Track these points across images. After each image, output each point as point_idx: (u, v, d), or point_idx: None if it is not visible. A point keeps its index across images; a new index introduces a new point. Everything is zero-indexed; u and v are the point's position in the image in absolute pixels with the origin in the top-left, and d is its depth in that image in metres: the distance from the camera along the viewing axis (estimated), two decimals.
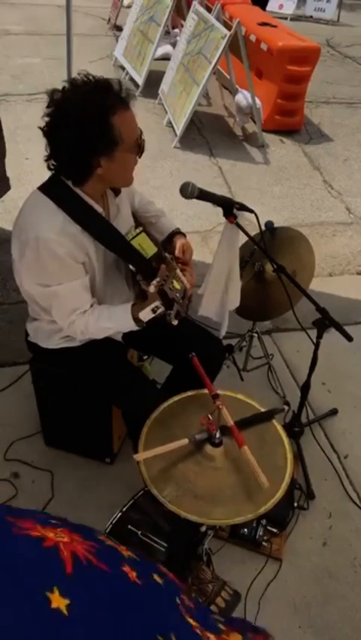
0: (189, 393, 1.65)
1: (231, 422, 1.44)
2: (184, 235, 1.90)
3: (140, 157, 1.60)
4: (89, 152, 1.48)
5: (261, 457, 1.39)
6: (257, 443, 1.46)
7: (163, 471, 1.41)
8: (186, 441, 1.41)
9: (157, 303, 1.57)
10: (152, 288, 1.53)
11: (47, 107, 1.48)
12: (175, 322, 1.55)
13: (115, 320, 1.68)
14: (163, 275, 1.54)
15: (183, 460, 1.43)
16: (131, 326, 1.66)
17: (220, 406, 1.47)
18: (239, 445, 1.40)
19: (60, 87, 1.48)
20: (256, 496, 1.34)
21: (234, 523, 1.33)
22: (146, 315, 1.61)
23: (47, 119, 1.48)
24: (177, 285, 1.53)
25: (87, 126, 1.43)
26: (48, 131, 1.50)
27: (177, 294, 1.51)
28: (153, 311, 1.59)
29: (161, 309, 1.58)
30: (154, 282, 1.54)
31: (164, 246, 1.85)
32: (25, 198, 1.63)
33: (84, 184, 1.57)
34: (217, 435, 1.44)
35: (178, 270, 1.59)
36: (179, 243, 1.83)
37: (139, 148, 1.57)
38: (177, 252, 1.80)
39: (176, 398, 1.63)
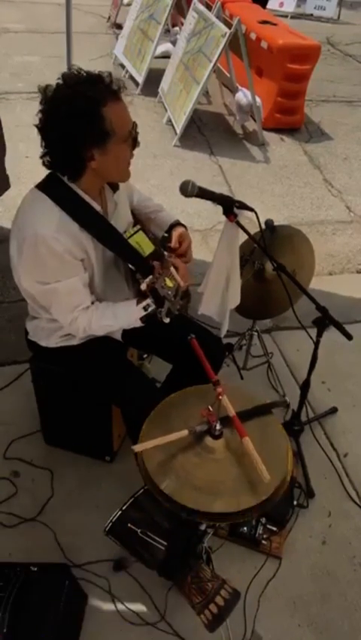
0: (190, 389, 1.65)
1: (232, 412, 1.43)
2: (184, 226, 1.90)
3: (134, 149, 1.59)
4: (80, 145, 1.48)
5: (261, 450, 1.38)
6: (258, 436, 1.45)
7: (163, 463, 1.40)
8: (185, 432, 1.40)
9: (148, 300, 1.58)
10: (143, 286, 1.54)
11: (40, 103, 1.48)
12: (167, 320, 1.56)
13: (120, 317, 1.68)
14: (156, 273, 1.55)
15: (182, 452, 1.43)
16: (135, 322, 1.66)
17: (221, 395, 1.46)
18: (240, 435, 1.39)
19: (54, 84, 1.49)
20: (257, 488, 1.34)
21: (236, 521, 1.33)
22: (138, 312, 1.62)
23: (40, 115, 1.49)
24: (169, 283, 1.53)
25: (77, 118, 1.43)
26: (41, 127, 1.50)
27: (169, 292, 1.52)
28: (145, 309, 1.61)
29: (152, 307, 1.59)
30: (146, 280, 1.55)
31: (163, 241, 1.85)
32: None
33: (79, 179, 1.57)
34: (217, 427, 1.43)
35: (173, 269, 1.59)
36: (175, 234, 1.83)
37: (133, 140, 1.56)
38: (173, 244, 1.80)
39: (176, 394, 1.63)
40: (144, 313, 1.62)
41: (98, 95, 1.44)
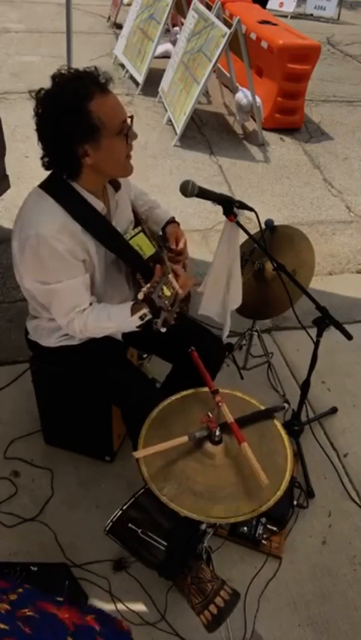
0: (189, 391, 1.65)
1: (231, 419, 1.44)
2: (177, 223, 1.90)
3: (130, 141, 1.56)
4: (72, 142, 1.48)
5: (261, 455, 1.39)
6: (257, 441, 1.46)
7: (163, 468, 1.41)
8: (185, 438, 1.41)
9: (145, 310, 1.55)
10: (140, 295, 1.50)
11: (35, 106, 1.49)
12: (163, 330, 1.51)
13: (115, 319, 1.68)
14: (153, 281, 1.51)
15: (182, 457, 1.43)
16: (131, 326, 1.65)
17: (220, 403, 1.47)
18: (239, 441, 1.40)
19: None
20: (256, 494, 1.34)
21: (235, 521, 1.33)
22: (134, 321, 1.60)
23: (34, 117, 1.49)
24: (167, 292, 1.49)
25: (65, 114, 1.43)
26: (36, 129, 1.50)
27: (166, 302, 1.47)
28: (141, 318, 1.58)
29: (148, 317, 1.56)
30: (143, 288, 1.51)
31: (160, 240, 1.85)
32: (25, 196, 1.63)
33: (79, 177, 1.57)
34: (217, 432, 1.44)
35: (171, 276, 1.57)
36: (171, 235, 1.84)
37: (126, 131, 1.54)
38: (172, 245, 1.80)
39: (176, 396, 1.63)
40: (139, 323, 1.59)
41: (84, 90, 1.43)
